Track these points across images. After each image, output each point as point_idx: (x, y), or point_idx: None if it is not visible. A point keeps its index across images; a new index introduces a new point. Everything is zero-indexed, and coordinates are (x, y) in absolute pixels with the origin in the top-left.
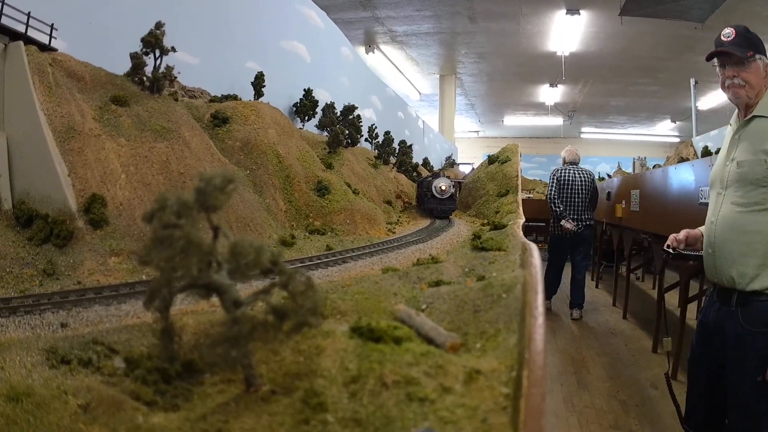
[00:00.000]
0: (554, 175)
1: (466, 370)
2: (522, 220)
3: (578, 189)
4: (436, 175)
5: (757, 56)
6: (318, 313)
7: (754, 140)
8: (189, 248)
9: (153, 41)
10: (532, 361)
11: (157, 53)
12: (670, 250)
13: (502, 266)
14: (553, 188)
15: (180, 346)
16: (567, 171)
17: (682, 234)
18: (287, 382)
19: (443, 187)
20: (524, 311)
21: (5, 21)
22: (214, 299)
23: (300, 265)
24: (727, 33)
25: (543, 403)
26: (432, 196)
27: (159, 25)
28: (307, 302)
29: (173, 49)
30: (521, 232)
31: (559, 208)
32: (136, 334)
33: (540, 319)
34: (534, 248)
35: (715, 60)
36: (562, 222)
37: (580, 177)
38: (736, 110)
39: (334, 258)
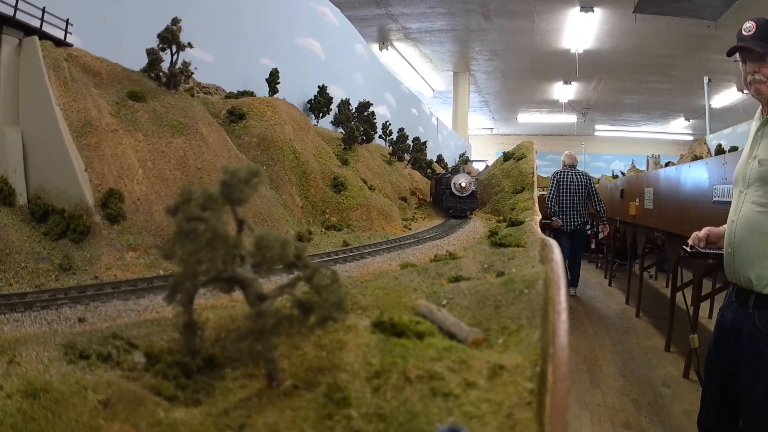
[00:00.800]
0: (554, 177)
1: (489, 365)
2: (538, 216)
3: (575, 189)
4: (455, 170)
5: None
6: (343, 307)
7: None
8: (215, 241)
9: (170, 37)
10: (556, 357)
11: (174, 49)
12: (688, 248)
13: (521, 262)
14: (552, 189)
15: (202, 340)
16: (566, 173)
17: (704, 232)
18: (310, 377)
19: (463, 184)
20: (547, 307)
21: (20, 16)
22: (235, 294)
23: (318, 260)
24: (748, 27)
25: (568, 398)
26: (450, 194)
27: (175, 21)
28: (332, 296)
29: (189, 45)
30: (539, 229)
31: (555, 206)
32: (156, 328)
33: (564, 314)
34: (554, 244)
35: (737, 55)
36: (553, 218)
37: (577, 179)
38: (760, 106)
39: (351, 254)
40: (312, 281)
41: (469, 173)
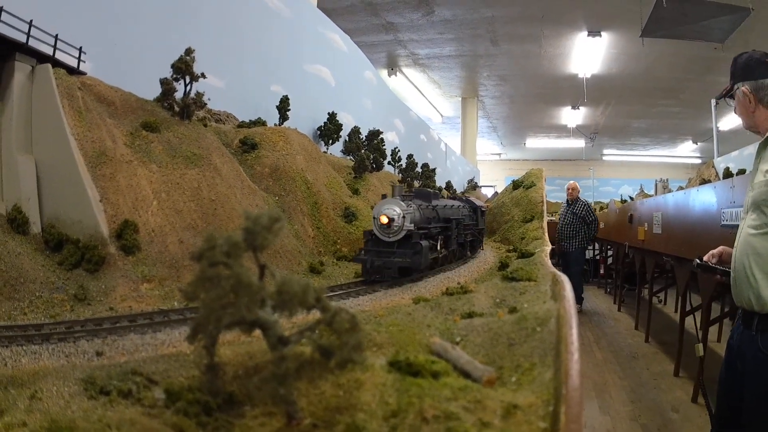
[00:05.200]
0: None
1: (503, 404)
2: (548, 247)
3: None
4: (420, 193)
5: (736, 86)
6: (362, 350)
7: (765, 163)
8: (239, 288)
9: (183, 67)
10: (569, 397)
11: (187, 79)
12: (699, 261)
13: (533, 297)
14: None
15: (223, 380)
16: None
17: (718, 249)
18: (328, 416)
19: (386, 220)
20: (559, 346)
21: (32, 43)
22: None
23: (331, 294)
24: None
25: None
26: (372, 238)
27: (189, 51)
28: (352, 339)
29: (203, 76)
30: (549, 261)
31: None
32: (174, 364)
33: (576, 354)
34: (566, 280)
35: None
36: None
37: None
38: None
39: (364, 287)
40: (332, 325)
41: (418, 194)
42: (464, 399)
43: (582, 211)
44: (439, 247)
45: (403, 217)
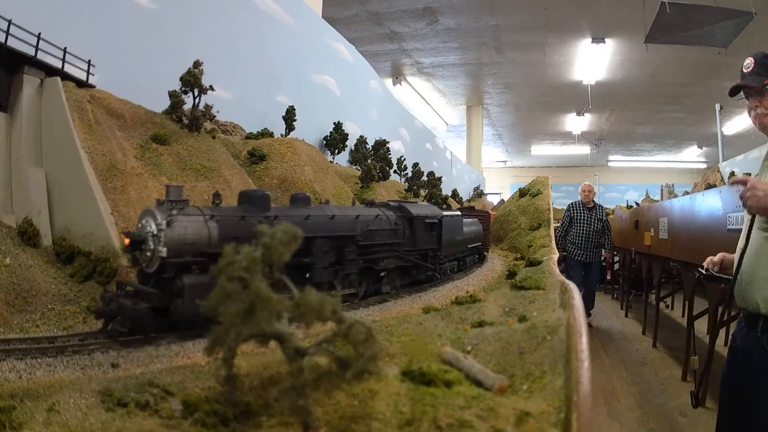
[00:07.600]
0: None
1: (516, 412)
2: (556, 255)
3: None
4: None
5: None
6: (378, 361)
7: None
8: (259, 302)
9: (191, 80)
10: (580, 404)
11: (196, 92)
12: (703, 271)
13: (542, 306)
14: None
15: (242, 391)
16: None
17: (718, 257)
18: (344, 426)
19: (127, 240)
20: (569, 354)
21: (40, 56)
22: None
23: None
24: (747, 63)
25: None
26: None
27: (197, 64)
28: (368, 351)
29: (211, 88)
30: (557, 269)
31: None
32: (189, 375)
33: (586, 362)
34: (575, 289)
35: (742, 92)
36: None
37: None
38: None
39: (374, 297)
40: (348, 337)
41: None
42: (477, 407)
43: (604, 215)
44: None
45: (155, 236)
